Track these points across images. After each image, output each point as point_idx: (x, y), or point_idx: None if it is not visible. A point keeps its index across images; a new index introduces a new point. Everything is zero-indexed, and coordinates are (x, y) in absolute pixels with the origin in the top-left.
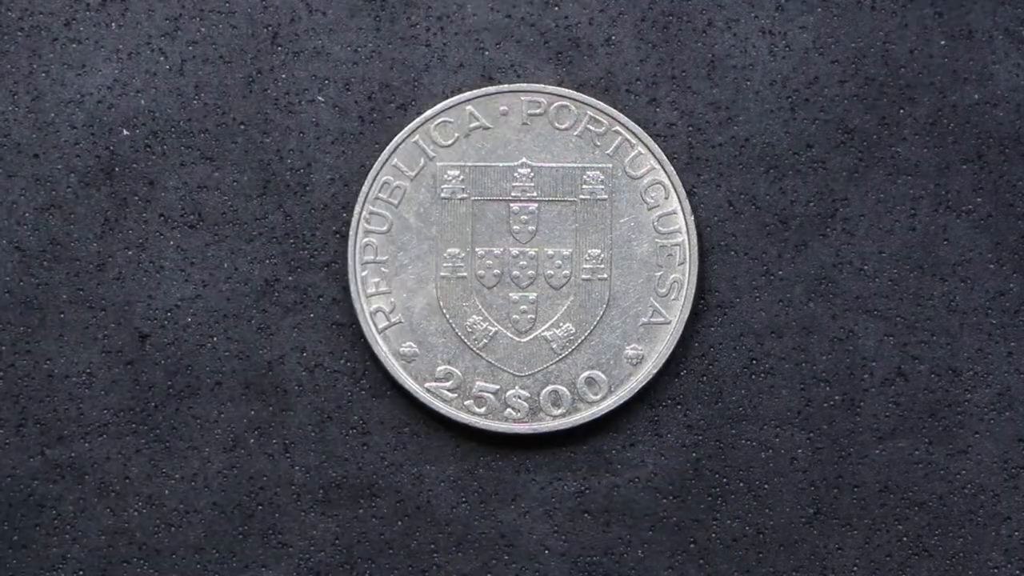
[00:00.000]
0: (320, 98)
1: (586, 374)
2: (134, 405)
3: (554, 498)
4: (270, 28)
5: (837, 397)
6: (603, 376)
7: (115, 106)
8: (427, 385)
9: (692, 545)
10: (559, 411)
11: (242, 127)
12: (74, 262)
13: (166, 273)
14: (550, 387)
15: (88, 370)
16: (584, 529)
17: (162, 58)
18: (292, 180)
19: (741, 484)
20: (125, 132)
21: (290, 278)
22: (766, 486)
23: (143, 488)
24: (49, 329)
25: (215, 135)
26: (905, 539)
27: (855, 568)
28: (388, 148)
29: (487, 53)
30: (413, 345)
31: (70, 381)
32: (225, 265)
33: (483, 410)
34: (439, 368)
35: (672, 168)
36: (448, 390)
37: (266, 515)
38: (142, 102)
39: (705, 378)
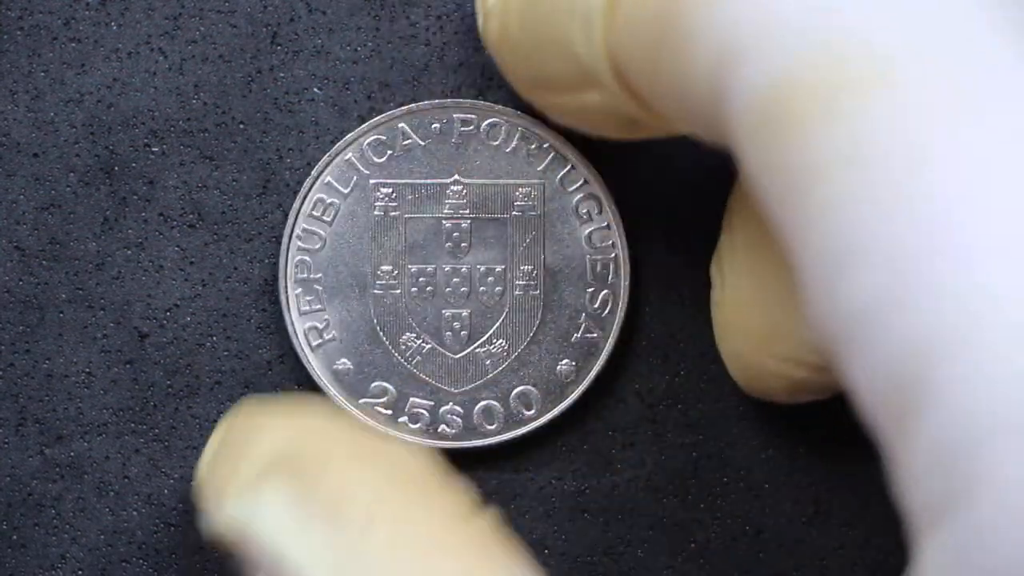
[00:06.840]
0: (317, 89)
1: (519, 389)
2: (133, 405)
3: (554, 498)
4: (270, 28)
5: (838, 397)
6: (536, 392)
7: (115, 105)
8: (361, 401)
9: (692, 545)
10: (493, 427)
11: (242, 127)
12: (73, 262)
13: (166, 273)
14: (483, 403)
15: (87, 369)
16: (584, 529)
17: (162, 57)
18: (292, 180)
19: (741, 484)
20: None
21: None
22: (766, 486)
23: (142, 487)
24: (48, 328)
25: (215, 135)
26: (905, 539)
27: (855, 568)
28: (319, 165)
29: (487, 52)
30: (347, 362)
31: (69, 380)
32: (225, 265)
33: (418, 426)
34: (373, 385)
35: (604, 184)
36: (382, 407)
37: None
38: (142, 101)
39: (705, 378)
